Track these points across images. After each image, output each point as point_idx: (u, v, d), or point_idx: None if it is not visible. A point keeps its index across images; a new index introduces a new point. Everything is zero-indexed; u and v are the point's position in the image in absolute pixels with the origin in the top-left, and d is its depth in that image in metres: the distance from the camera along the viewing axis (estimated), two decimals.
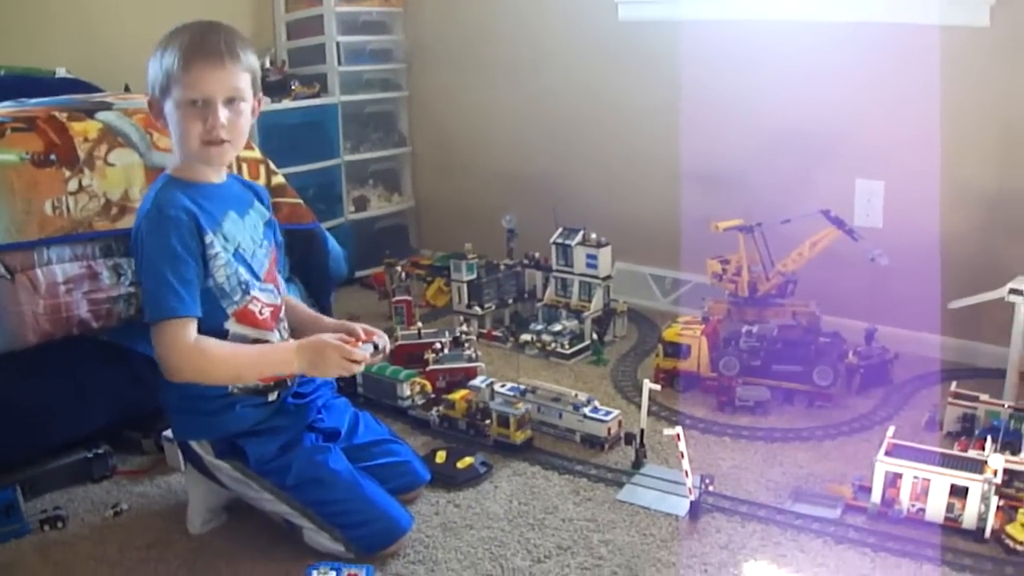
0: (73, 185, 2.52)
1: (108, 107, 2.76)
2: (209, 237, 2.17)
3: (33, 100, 2.86)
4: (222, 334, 2.24)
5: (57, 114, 2.63)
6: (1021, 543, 2.22)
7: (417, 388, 3.12)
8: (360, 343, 2.26)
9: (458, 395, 2.99)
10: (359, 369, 2.25)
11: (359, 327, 2.36)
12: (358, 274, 4.51)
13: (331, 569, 2.05)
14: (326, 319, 2.57)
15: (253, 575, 2.23)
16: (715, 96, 3.82)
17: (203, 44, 2.14)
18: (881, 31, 3.40)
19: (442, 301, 4.23)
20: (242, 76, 2.20)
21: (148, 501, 2.59)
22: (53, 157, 2.51)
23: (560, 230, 3.82)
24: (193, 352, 2.13)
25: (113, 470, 2.73)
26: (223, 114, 2.16)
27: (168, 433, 2.64)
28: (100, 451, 2.71)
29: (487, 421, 2.88)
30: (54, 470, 2.65)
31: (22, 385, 2.50)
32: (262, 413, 2.32)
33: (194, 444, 2.32)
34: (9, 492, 2.42)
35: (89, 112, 2.69)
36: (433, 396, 3.12)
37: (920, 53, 3.30)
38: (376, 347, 2.29)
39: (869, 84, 3.47)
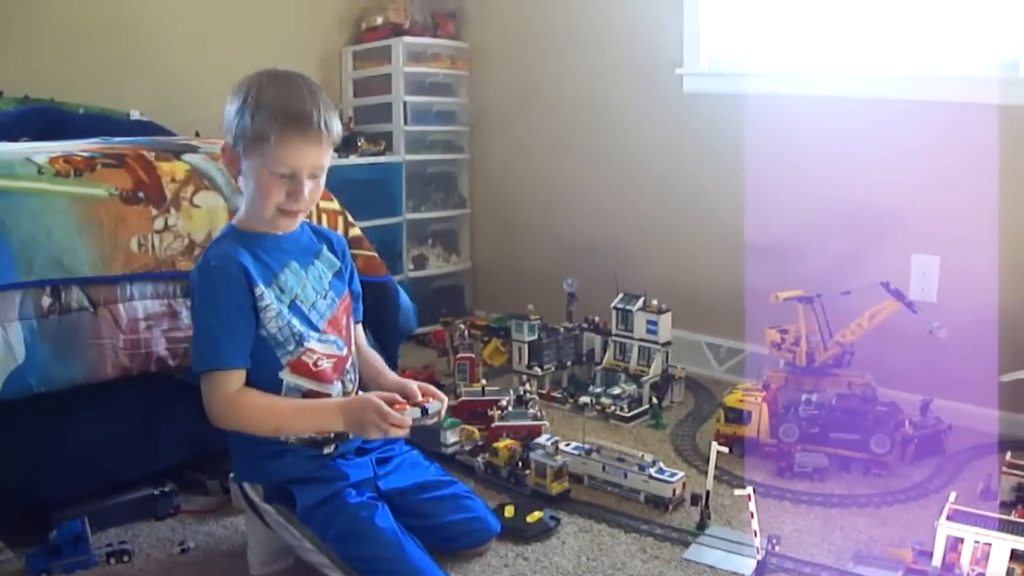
0: (159, 224, 2.57)
1: (194, 150, 2.82)
2: (259, 289, 2.19)
3: (117, 139, 2.93)
4: (277, 383, 2.26)
5: (145, 153, 2.69)
6: None
7: (465, 435, 3.19)
8: (407, 407, 2.21)
9: (502, 444, 3.04)
10: (400, 434, 2.20)
11: (417, 388, 2.34)
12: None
13: None
14: (390, 376, 2.53)
15: None
16: (776, 169, 3.87)
17: (302, 117, 2.14)
18: (941, 109, 3.46)
19: (499, 361, 4.28)
20: (329, 152, 2.24)
21: (215, 540, 2.61)
22: (141, 195, 2.56)
23: (621, 295, 3.86)
24: (233, 403, 2.17)
25: (177, 508, 2.75)
26: (306, 188, 2.20)
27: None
28: (166, 489, 2.74)
29: (527, 471, 2.93)
30: (119, 505, 2.67)
31: (97, 419, 2.54)
32: (315, 464, 2.33)
33: (247, 486, 2.35)
34: (78, 523, 2.44)
35: (176, 153, 2.75)
36: (481, 444, 3.17)
37: (979, 132, 3.35)
38: (425, 411, 2.23)
39: (927, 161, 3.52)
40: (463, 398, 3.46)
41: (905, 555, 2.47)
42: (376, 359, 2.61)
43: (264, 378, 2.23)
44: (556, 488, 2.88)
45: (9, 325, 2.29)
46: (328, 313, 2.36)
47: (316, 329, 2.32)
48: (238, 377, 2.19)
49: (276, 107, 2.14)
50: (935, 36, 3.55)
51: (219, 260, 2.19)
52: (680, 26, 4.12)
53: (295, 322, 2.26)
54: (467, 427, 3.22)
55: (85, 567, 2.42)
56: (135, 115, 3.82)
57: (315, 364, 2.30)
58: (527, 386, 3.53)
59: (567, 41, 4.56)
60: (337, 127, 2.25)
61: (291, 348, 2.25)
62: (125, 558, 2.48)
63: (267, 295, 2.21)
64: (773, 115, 3.86)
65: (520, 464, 2.97)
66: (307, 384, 2.30)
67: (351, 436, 2.37)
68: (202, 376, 2.19)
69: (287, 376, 2.27)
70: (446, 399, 2.34)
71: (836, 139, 3.74)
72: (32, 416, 2.39)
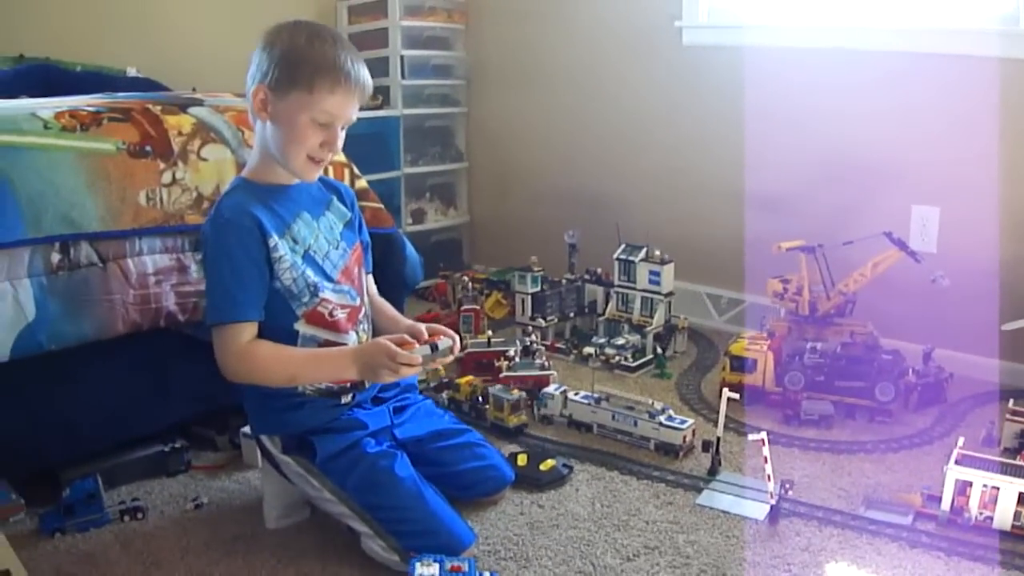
0: (167, 177, 2.55)
1: (200, 103, 2.79)
2: (273, 240, 2.18)
3: (122, 94, 2.90)
4: (292, 335, 2.25)
5: (151, 107, 2.66)
6: None
7: (431, 373, 3.27)
8: (416, 346, 2.18)
9: (464, 379, 3.16)
10: (412, 373, 2.20)
11: (425, 329, 2.29)
12: None
13: (434, 561, 2.01)
14: (404, 322, 2.50)
15: (344, 570, 2.24)
16: (776, 121, 3.87)
17: (352, 72, 2.17)
18: (941, 61, 3.46)
19: (500, 313, 4.30)
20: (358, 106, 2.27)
21: (228, 496, 2.62)
22: (148, 148, 2.54)
23: (623, 246, 3.87)
24: (245, 355, 2.15)
25: (188, 465, 2.75)
26: (341, 137, 2.23)
27: (247, 429, 2.65)
28: (177, 445, 2.73)
29: (487, 405, 3.01)
30: (130, 462, 2.67)
31: (106, 376, 2.54)
32: (333, 414, 2.33)
33: (264, 439, 2.35)
34: (91, 481, 2.44)
35: (182, 107, 2.73)
36: (446, 381, 3.25)
37: (979, 84, 3.36)
38: (435, 348, 2.20)
39: (927, 113, 3.52)
40: (469, 350, 3.48)
41: (914, 499, 2.51)
42: (389, 307, 2.60)
43: (280, 330, 2.22)
44: (513, 421, 2.99)
45: (19, 283, 2.27)
46: (341, 263, 2.36)
47: (330, 279, 2.31)
48: (251, 330, 2.17)
49: (328, 59, 2.15)
50: None
51: (232, 212, 2.17)
52: None
53: (309, 272, 2.25)
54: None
55: (99, 525, 2.41)
56: (131, 72, 3.80)
57: (330, 314, 2.29)
58: (532, 337, 3.54)
59: None
60: (371, 84, 2.28)
61: (306, 299, 2.25)
62: (139, 515, 2.47)
63: (281, 246, 2.19)
64: (773, 67, 3.85)
65: (480, 399, 3.06)
66: (323, 335, 2.29)
67: (366, 384, 2.38)
68: (214, 329, 2.17)
69: (303, 327, 2.26)
70: (457, 337, 2.30)
71: (836, 91, 3.74)
72: (42, 374, 2.38)
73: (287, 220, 2.25)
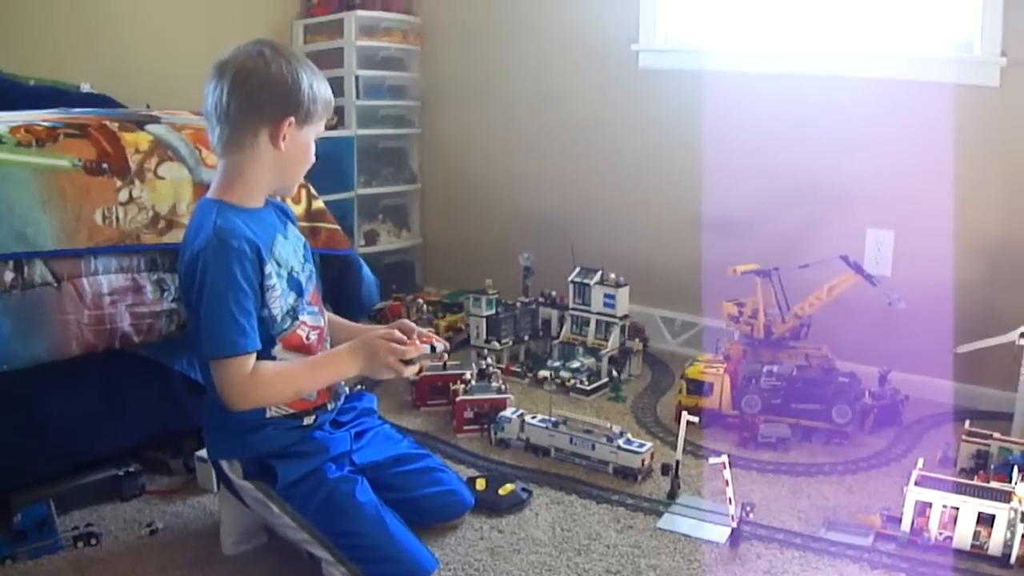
0: (124, 196, 2.50)
1: (157, 120, 2.75)
2: (268, 267, 2.15)
3: (77, 109, 2.85)
4: (269, 360, 2.20)
5: (108, 123, 2.61)
6: None
7: None
8: (418, 342, 2.20)
9: None
10: (411, 372, 2.21)
11: (416, 328, 2.31)
12: None
13: None
14: (365, 328, 2.51)
15: None
16: (732, 145, 3.89)
17: None
18: (896, 87, 3.51)
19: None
20: None
21: (183, 521, 2.57)
22: (105, 166, 2.48)
23: (578, 269, 3.86)
24: (254, 383, 2.11)
25: (142, 489, 2.70)
26: None
27: (202, 453, 2.62)
28: (131, 469, 2.68)
29: None
30: (83, 487, 2.61)
31: (58, 398, 2.47)
32: (295, 436, 2.28)
33: (224, 464, 2.30)
34: (43, 507, 2.38)
35: (139, 124, 2.68)
36: None
37: (932, 110, 3.41)
38: (434, 349, 2.21)
39: (882, 138, 3.57)
40: (425, 373, 3.42)
41: (874, 521, 2.54)
42: (348, 322, 2.61)
43: (257, 356, 2.16)
44: None
45: None
46: (309, 286, 2.34)
47: (306, 300, 2.30)
48: (253, 358, 2.12)
49: (325, 84, 2.27)
50: (891, 15, 3.60)
51: (237, 240, 2.10)
52: (636, 2, 4.12)
53: (291, 296, 2.24)
54: None
55: (52, 551, 2.35)
56: (85, 88, 3.74)
57: (307, 337, 2.28)
58: (488, 360, 3.52)
59: (520, 15, 4.53)
60: None
61: (286, 325, 2.22)
62: (93, 541, 2.42)
63: (273, 273, 2.17)
64: (729, 92, 3.88)
65: None
66: (296, 358, 2.26)
67: (329, 407, 2.37)
68: (218, 362, 2.10)
69: (279, 352, 2.22)
70: (444, 341, 2.31)
71: (792, 116, 3.77)
72: None
73: (268, 243, 2.21)
